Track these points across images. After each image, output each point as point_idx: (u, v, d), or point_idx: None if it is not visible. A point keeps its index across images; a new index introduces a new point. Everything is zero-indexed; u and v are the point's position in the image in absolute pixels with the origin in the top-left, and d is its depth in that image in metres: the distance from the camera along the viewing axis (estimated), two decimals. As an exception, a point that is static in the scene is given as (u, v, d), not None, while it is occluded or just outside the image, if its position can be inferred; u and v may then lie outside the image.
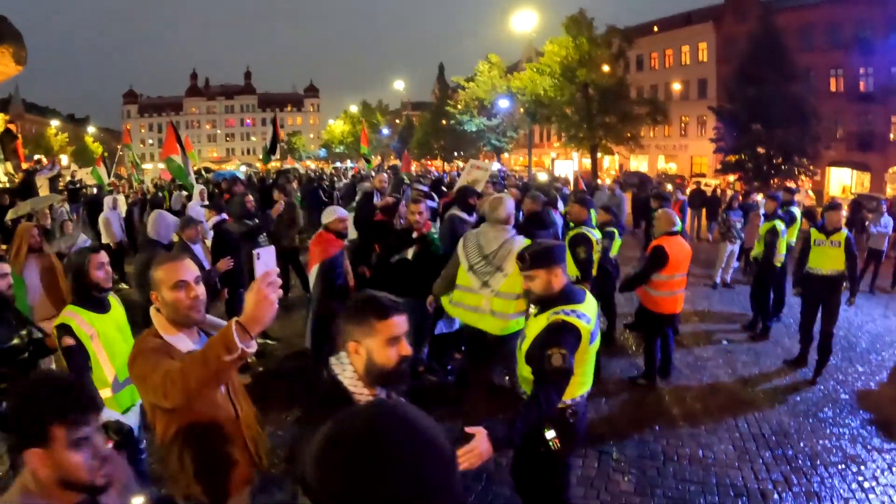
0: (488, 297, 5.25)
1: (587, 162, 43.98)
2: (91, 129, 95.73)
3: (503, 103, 44.69)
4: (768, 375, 7.88)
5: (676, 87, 51.67)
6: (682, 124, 53.04)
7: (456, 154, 62.80)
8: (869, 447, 5.98)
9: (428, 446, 1.10)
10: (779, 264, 9.72)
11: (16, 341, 4.14)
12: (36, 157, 29.39)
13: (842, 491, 5.22)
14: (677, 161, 53.98)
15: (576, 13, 36.70)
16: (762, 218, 10.93)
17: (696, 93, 51.03)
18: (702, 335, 9.54)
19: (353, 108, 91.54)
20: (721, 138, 32.93)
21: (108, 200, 13.00)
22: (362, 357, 2.32)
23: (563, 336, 3.28)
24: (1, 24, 16.04)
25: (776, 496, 5.13)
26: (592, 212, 9.20)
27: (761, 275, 9.73)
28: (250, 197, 9.37)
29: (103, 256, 4.18)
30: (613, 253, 8.81)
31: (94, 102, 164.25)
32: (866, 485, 5.32)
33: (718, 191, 23.05)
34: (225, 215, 8.47)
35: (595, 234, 7.38)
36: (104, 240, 12.16)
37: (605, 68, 36.99)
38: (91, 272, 4.07)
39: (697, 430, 6.25)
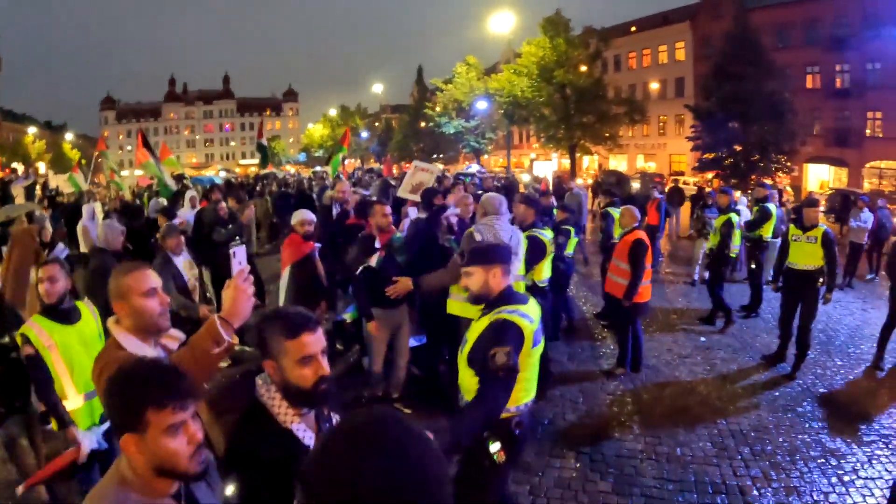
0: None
1: (567, 162, 43.98)
2: (69, 136, 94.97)
3: (481, 105, 44.73)
4: (747, 371, 7.83)
5: (654, 86, 52.11)
6: (661, 123, 53.54)
7: (435, 156, 62.74)
8: (849, 441, 5.93)
9: (426, 443, 1.18)
10: (733, 255, 10.16)
11: (6, 340, 4.19)
12: (13, 165, 29.07)
13: (822, 485, 5.17)
14: (656, 160, 54.38)
15: (552, 14, 36.81)
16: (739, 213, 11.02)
17: (673, 92, 51.48)
18: (680, 332, 9.50)
19: (333, 112, 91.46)
20: (698, 136, 33.10)
21: (87, 209, 12.87)
22: (279, 376, 2.23)
23: (506, 334, 3.20)
24: None
25: (755, 492, 5.07)
26: (556, 211, 9.63)
27: (715, 266, 10.00)
28: (223, 204, 9.37)
29: (51, 269, 4.15)
30: (569, 251, 9.04)
31: (72, 109, 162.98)
32: (846, 478, 5.27)
33: (698, 188, 23.16)
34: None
35: (546, 235, 7.20)
36: (82, 248, 11.97)
37: (582, 68, 37.12)
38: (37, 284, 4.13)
39: (675, 428, 6.17)
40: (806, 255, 7.70)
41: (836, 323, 10.03)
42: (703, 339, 9.14)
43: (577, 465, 5.51)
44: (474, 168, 43.82)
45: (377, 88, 75.65)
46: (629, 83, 53.43)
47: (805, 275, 7.69)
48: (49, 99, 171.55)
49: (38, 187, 23.87)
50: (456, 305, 5.89)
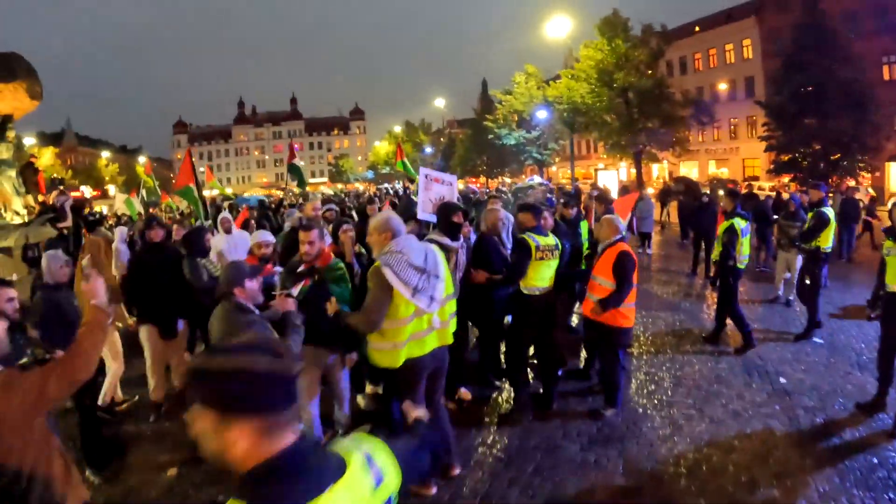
0: (436, 311, 4.82)
1: (634, 171, 41.95)
2: (142, 160, 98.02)
3: (541, 114, 43.27)
4: (836, 426, 6.19)
5: (722, 87, 49.88)
6: (732, 126, 51.15)
7: (498, 170, 61.56)
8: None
9: None
10: (741, 266, 8.94)
11: (24, 360, 4.17)
12: (60, 187, 29.11)
13: None
14: (728, 165, 51.79)
15: (609, 14, 35.03)
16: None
17: (743, 92, 49.17)
18: (752, 368, 7.90)
19: (398, 129, 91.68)
20: (771, 136, 30.79)
21: (119, 231, 12.14)
22: None
23: None
24: (13, 60, 16.28)
25: None
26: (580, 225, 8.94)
27: (723, 279, 8.96)
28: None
29: (10, 292, 4.49)
30: None
31: (146, 133, 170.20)
32: None
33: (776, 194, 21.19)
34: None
35: (536, 240, 6.48)
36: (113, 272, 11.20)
37: (644, 69, 35.08)
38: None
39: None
40: (898, 273, 6.13)
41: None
42: (783, 379, 7.50)
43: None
44: (536, 180, 42.41)
45: (439, 103, 75.17)
46: (696, 85, 50.76)
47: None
48: (124, 124, 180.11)
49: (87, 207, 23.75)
50: (374, 354, 4.90)
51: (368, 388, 7.26)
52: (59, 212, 17.46)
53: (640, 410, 6.76)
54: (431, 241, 6.14)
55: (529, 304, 6.63)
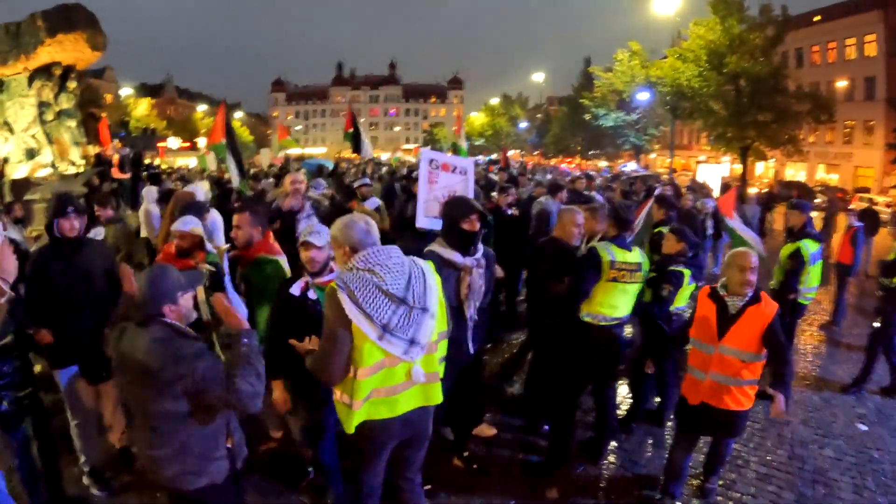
0: (419, 359, 3.32)
1: (738, 168, 38.61)
2: (239, 115, 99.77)
3: (642, 96, 40.49)
4: None
5: (840, 84, 45.54)
6: (846, 129, 46.47)
7: (593, 152, 59.02)
8: None
9: None
10: (803, 301, 7.16)
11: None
12: (117, 142, 29.08)
13: None
14: (839, 171, 47.29)
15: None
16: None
17: (862, 93, 44.66)
18: (866, 465, 5.68)
19: (495, 101, 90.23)
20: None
21: (148, 192, 10.73)
22: None
23: None
24: (73, 11, 15.77)
25: None
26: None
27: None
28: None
29: None
30: (679, 304, 5.73)
31: (246, 90, 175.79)
32: None
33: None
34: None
35: (612, 253, 5.08)
36: (143, 233, 9.94)
37: (759, 56, 31.66)
38: None
39: None
40: None
41: None
42: None
43: None
44: (631, 167, 40.05)
45: (538, 77, 73.30)
46: (812, 80, 46.09)
47: None
48: (225, 81, 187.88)
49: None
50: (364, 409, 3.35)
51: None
52: (119, 164, 17.02)
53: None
54: (432, 254, 4.32)
55: (591, 337, 5.04)
